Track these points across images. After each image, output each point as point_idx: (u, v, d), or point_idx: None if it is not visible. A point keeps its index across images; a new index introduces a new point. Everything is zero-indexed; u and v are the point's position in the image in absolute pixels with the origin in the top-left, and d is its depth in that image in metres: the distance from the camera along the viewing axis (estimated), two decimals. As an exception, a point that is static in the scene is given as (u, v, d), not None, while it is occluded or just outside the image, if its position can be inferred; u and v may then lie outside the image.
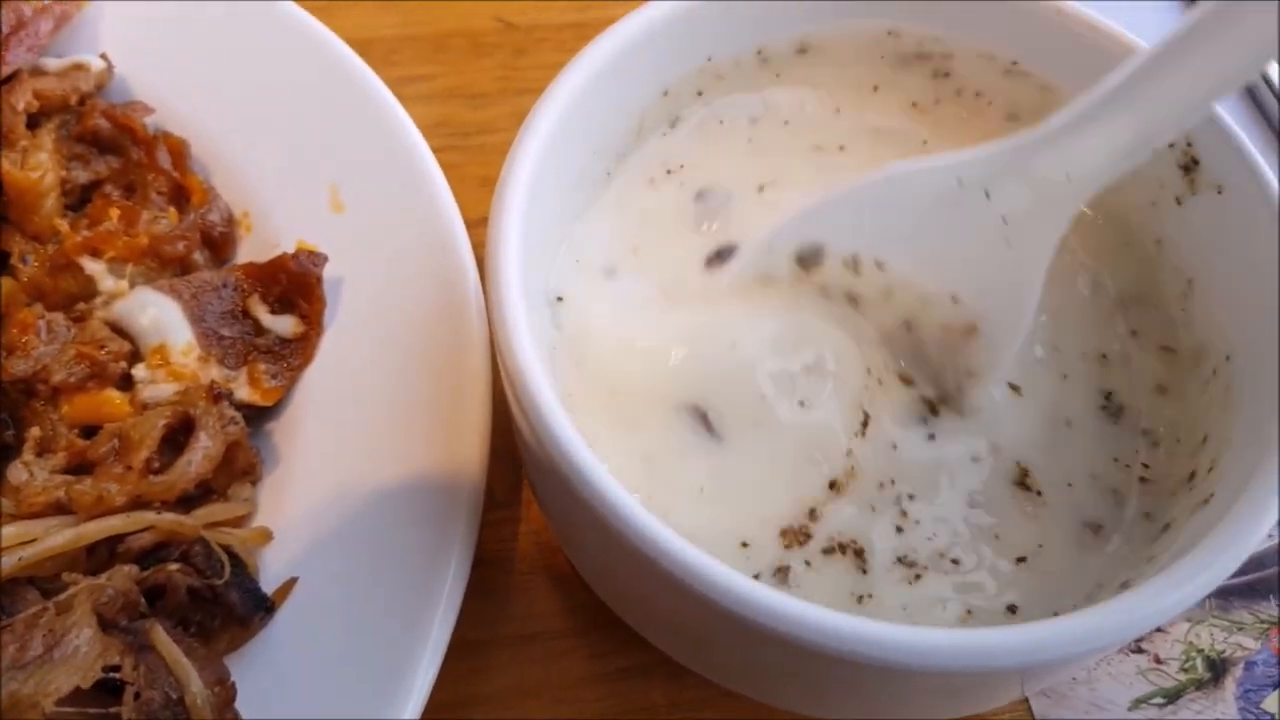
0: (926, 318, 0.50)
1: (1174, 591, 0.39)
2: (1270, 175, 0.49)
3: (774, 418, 0.48)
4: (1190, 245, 0.52)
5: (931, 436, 0.50)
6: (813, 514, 0.47)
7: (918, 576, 0.47)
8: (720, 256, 0.52)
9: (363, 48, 0.71)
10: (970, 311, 0.49)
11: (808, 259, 0.51)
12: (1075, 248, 0.55)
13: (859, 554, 0.47)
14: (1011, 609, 0.46)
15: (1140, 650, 0.61)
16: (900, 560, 0.47)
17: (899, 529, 0.47)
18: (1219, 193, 0.50)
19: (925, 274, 0.49)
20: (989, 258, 0.48)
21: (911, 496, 0.48)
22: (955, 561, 0.47)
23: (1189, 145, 0.52)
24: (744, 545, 0.47)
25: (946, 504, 0.48)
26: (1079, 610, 0.40)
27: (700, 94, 0.57)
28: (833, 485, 0.48)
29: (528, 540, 0.63)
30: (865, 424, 0.49)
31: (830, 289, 0.51)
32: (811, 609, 0.38)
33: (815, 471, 0.48)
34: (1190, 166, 0.52)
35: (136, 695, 0.47)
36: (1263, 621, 0.62)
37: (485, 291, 0.47)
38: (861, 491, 0.48)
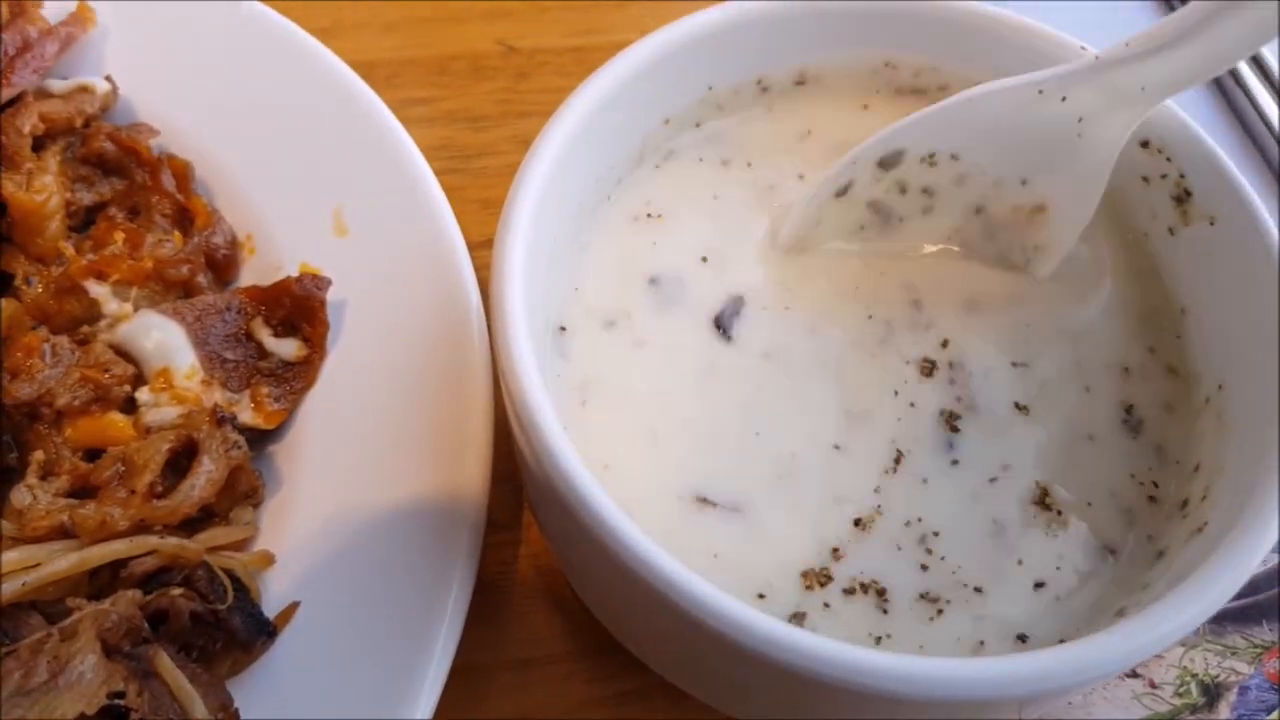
0: (997, 199, 0.55)
1: (1171, 620, 0.40)
2: (1262, 207, 0.49)
3: (802, 468, 0.49)
4: (1183, 275, 0.53)
5: (955, 462, 0.50)
6: (836, 553, 0.48)
7: (940, 611, 0.47)
8: (720, 325, 0.53)
9: (365, 70, 0.72)
10: (1039, 194, 0.54)
11: (888, 161, 0.54)
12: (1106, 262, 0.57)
13: (881, 594, 0.47)
14: (1022, 638, 0.46)
15: (1135, 675, 0.61)
16: (923, 596, 0.47)
17: (924, 567, 0.48)
18: (1211, 224, 0.51)
19: (998, 162, 0.54)
20: (1061, 146, 0.52)
21: (936, 534, 0.48)
22: (979, 590, 0.47)
23: (1181, 176, 0.52)
24: (761, 597, 0.47)
25: (972, 534, 0.49)
26: (1077, 639, 0.40)
27: (699, 125, 0.58)
28: (858, 523, 0.49)
29: (528, 563, 0.63)
30: (898, 460, 0.50)
31: (908, 184, 0.55)
32: (808, 638, 0.38)
33: (840, 511, 0.49)
34: (1183, 198, 0.53)
35: (140, 721, 0.47)
36: (1256, 646, 0.62)
37: (489, 314, 0.48)
38: (887, 530, 0.48)
